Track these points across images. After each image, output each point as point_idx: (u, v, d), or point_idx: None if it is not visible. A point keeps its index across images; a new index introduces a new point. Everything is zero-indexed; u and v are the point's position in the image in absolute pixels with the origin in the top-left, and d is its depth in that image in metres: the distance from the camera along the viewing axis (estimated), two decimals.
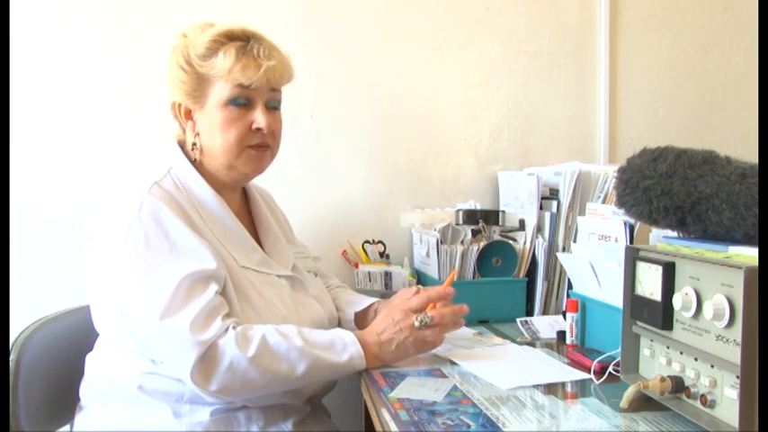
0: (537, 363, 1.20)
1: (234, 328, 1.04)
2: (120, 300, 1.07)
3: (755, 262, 0.74)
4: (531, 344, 1.35)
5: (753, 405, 0.73)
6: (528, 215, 1.62)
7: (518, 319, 1.47)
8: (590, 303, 1.29)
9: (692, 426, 0.85)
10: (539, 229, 1.60)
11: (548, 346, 1.33)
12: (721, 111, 1.98)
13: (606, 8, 1.87)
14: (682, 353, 0.88)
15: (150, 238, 1.06)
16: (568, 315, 1.32)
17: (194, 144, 1.20)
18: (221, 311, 1.05)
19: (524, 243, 1.60)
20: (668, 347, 0.91)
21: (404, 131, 1.80)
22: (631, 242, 1.19)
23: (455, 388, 1.06)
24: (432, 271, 1.58)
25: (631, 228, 1.20)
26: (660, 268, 0.89)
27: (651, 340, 0.95)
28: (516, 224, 1.64)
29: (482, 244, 1.55)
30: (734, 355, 0.77)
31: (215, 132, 1.17)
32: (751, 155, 0.94)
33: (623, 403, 0.92)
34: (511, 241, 1.59)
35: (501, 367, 1.16)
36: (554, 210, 1.58)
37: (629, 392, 0.91)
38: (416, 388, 1.06)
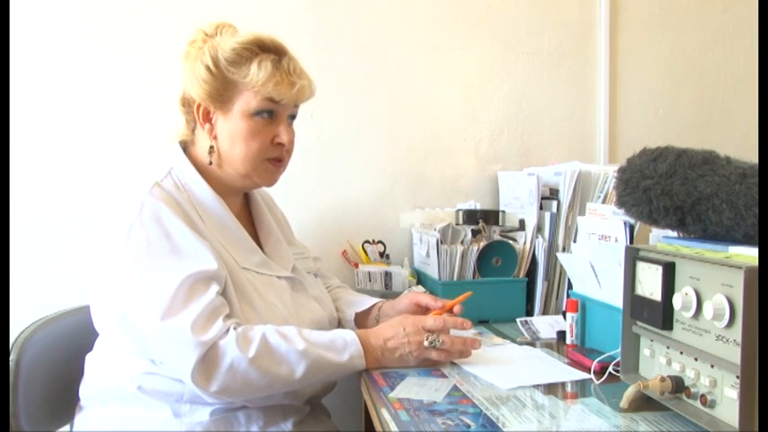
0: (537, 363, 1.20)
1: (234, 328, 1.04)
2: (121, 300, 1.07)
3: (755, 262, 0.74)
4: (531, 344, 1.35)
5: (753, 405, 0.73)
6: (528, 215, 1.62)
7: (518, 319, 1.47)
8: (590, 303, 1.29)
9: (692, 426, 0.85)
10: (539, 229, 1.60)
11: (548, 346, 1.33)
12: (721, 111, 1.98)
13: (606, 8, 1.87)
14: (682, 353, 0.88)
15: (151, 238, 1.06)
16: (568, 315, 1.32)
17: (212, 148, 1.19)
18: (222, 312, 1.05)
19: (524, 243, 1.60)
20: (668, 347, 0.91)
21: (404, 131, 1.80)
22: (631, 242, 1.19)
23: (455, 388, 1.06)
24: (432, 271, 1.58)
25: (631, 228, 1.20)
26: (660, 268, 0.89)
27: (651, 340, 0.95)
28: (516, 224, 1.64)
29: (482, 244, 1.55)
30: (734, 355, 0.77)
31: (237, 141, 1.17)
32: (751, 155, 0.94)
33: (623, 403, 0.92)
34: (511, 241, 1.59)
35: (501, 367, 1.16)
36: (554, 210, 1.58)
37: (629, 392, 0.91)
38: (416, 388, 1.06)
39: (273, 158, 1.20)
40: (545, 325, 1.44)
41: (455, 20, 1.81)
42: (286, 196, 1.57)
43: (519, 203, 1.66)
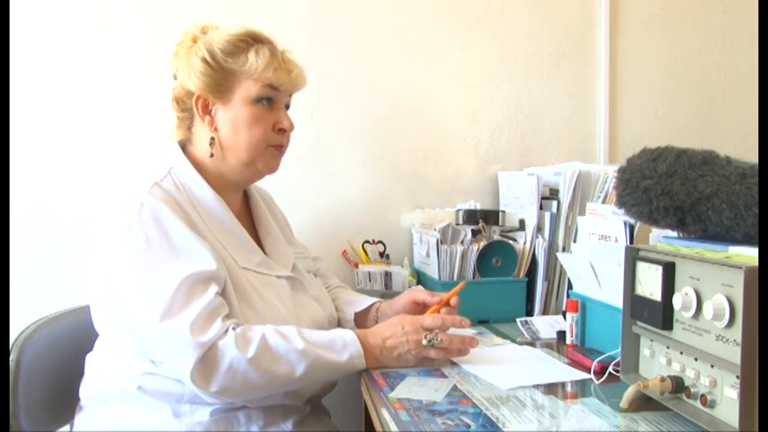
0: (537, 363, 1.20)
1: (234, 329, 1.04)
2: (121, 300, 1.07)
3: (755, 262, 0.74)
4: (531, 344, 1.35)
5: (753, 405, 0.73)
6: (528, 215, 1.62)
7: (518, 319, 1.47)
8: (590, 303, 1.29)
9: (692, 426, 0.85)
10: (539, 229, 1.60)
11: (548, 346, 1.33)
12: (721, 111, 1.98)
13: (606, 8, 1.87)
14: (682, 353, 0.88)
15: (151, 238, 1.06)
16: (568, 315, 1.32)
17: (213, 139, 1.19)
18: (221, 312, 1.05)
19: (524, 243, 1.60)
20: (668, 347, 0.91)
21: (404, 131, 1.80)
22: (631, 242, 1.19)
23: (455, 388, 1.06)
24: (432, 271, 1.58)
25: (631, 228, 1.20)
26: (660, 268, 0.89)
27: (651, 340, 0.95)
28: (516, 224, 1.64)
29: (482, 244, 1.55)
30: (734, 355, 0.77)
31: (240, 128, 1.18)
32: (751, 155, 0.94)
33: (623, 403, 0.92)
34: (511, 241, 1.59)
35: (501, 367, 1.16)
36: (554, 210, 1.58)
37: (629, 392, 0.91)
38: (416, 388, 1.06)
39: (276, 145, 1.22)
40: (545, 325, 1.44)
41: (455, 20, 1.81)
42: (286, 196, 1.57)
43: (519, 203, 1.66)
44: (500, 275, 1.57)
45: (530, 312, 1.59)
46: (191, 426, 1.09)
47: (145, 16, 1.64)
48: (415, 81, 1.80)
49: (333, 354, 1.09)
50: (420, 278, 1.67)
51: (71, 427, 1.23)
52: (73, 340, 1.26)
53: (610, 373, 1.07)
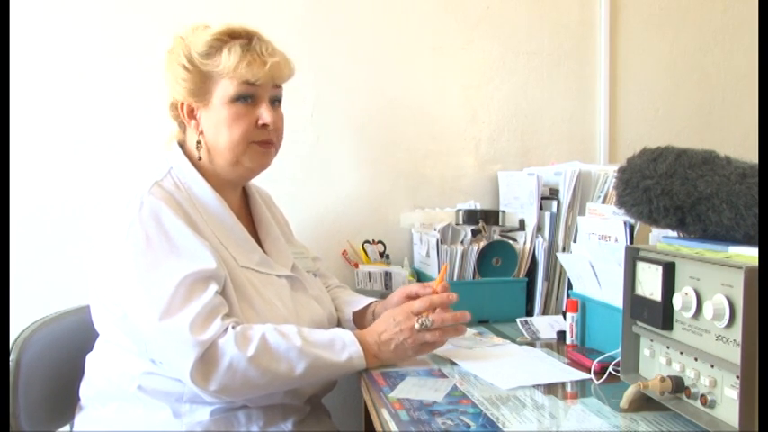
0: (537, 363, 1.20)
1: (233, 327, 1.04)
2: (121, 300, 1.07)
3: (755, 262, 0.74)
4: (531, 344, 1.35)
5: (753, 405, 0.73)
6: (528, 215, 1.62)
7: (518, 319, 1.47)
8: (590, 303, 1.29)
9: (692, 426, 0.85)
10: (539, 229, 1.60)
11: (548, 346, 1.33)
12: (721, 111, 1.98)
13: (606, 8, 1.87)
14: (682, 353, 0.88)
15: (151, 237, 1.06)
16: (568, 315, 1.32)
17: (199, 143, 1.20)
18: (221, 311, 1.05)
19: (524, 243, 1.60)
20: (668, 347, 0.91)
21: (404, 131, 1.80)
22: (631, 242, 1.19)
23: (455, 388, 1.06)
24: (432, 271, 1.58)
25: (631, 228, 1.20)
26: (660, 268, 0.89)
27: (651, 340, 0.95)
28: (516, 224, 1.64)
29: (482, 244, 1.55)
30: (734, 355, 0.77)
31: (221, 129, 1.17)
32: (751, 155, 0.94)
33: (623, 403, 0.92)
34: (511, 241, 1.59)
35: (501, 367, 1.16)
36: (554, 210, 1.58)
37: (629, 392, 0.91)
38: (416, 388, 1.06)
39: (260, 141, 1.20)
40: (545, 325, 1.44)
41: (455, 20, 1.81)
42: (286, 196, 1.57)
43: (519, 203, 1.66)
44: (500, 275, 1.57)
45: (530, 312, 1.59)
46: (191, 425, 1.09)
47: (144, 16, 1.64)
48: (415, 81, 1.79)
49: (332, 353, 1.09)
50: (420, 278, 1.67)
51: (71, 427, 1.23)
52: (73, 340, 1.26)
53: (610, 373, 1.07)
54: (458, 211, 1.65)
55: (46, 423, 1.22)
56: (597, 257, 1.23)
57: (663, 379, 0.88)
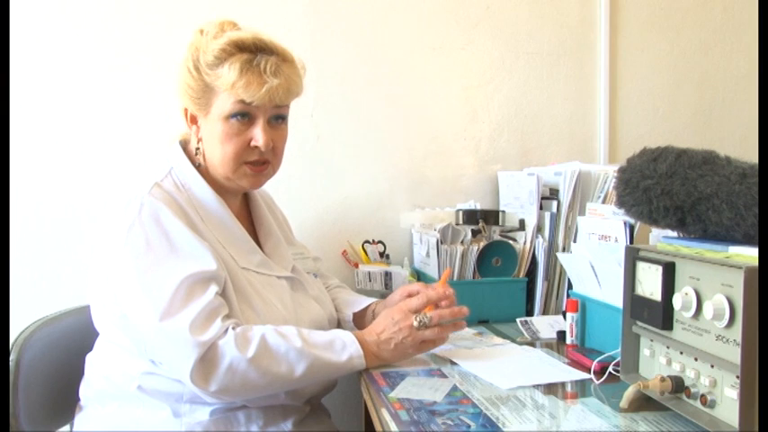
0: (537, 363, 1.20)
1: (233, 329, 1.04)
2: (121, 300, 1.07)
3: (755, 262, 0.74)
4: (531, 344, 1.35)
5: (753, 405, 0.73)
6: (528, 215, 1.62)
7: (518, 319, 1.47)
8: (590, 303, 1.29)
9: (692, 426, 0.85)
10: (539, 229, 1.60)
11: (548, 346, 1.33)
12: (721, 111, 1.98)
13: (606, 8, 1.87)
14: (682, 353, 0.88)
15: (151, 238, 1.06)
16: (568, 315, 1.32)
17: (198, 149, 1.19)
18: (221, 312, 1.05)
19: (524, 243, 1.60)
20: (668, 347, 0.91)
21: (404, 131, 1.80)
22: (631, 242, 1.19)
23: (455, 388, 1.06)
24: (432, 271, 1.58)
25: (631, 228, 1.20)
26: (660, 268, 0.89)
27: (651, 340, 0.95)
28: (516, 224, 1.64)
29: (482, 244, 1.55)
30: (734, 355, 0.77)
31: (215, 144, 1.16)
32: (751, 155, 0.94)
33: (623, 403, 0.92)
34: (511, 241, 1.59)
35: (501, 367, 1.16)
36: (554, 210, 1.58)
37: (629, 392, 0.91)
38: (416, 388, 1.06)
39: (252, 162, 1.16)
40: (545, 325, 1.44)
41: (455, 20, 1.81)
42: (286, 196, 1.57)
43: (519, 203, 1.66)
44: (500, 275, 1.56)
45: (530, 312, 1.59)
46: (190, 425, 1.09)
47: (146, 15, 1.64)
48: (415, 81, 1.80)
49: (332, 354, 1.09)
50: (420, 278, 1.67)
51: (71, 427, 1.23)
52: (73, 340, 1.26)
53: (610, 373, 1.07)
54: (458, 211, 1.65)
55: (46, 423, 1.22)
56: (597, 257, 1.23)
57: (663, 379, 0.88)
